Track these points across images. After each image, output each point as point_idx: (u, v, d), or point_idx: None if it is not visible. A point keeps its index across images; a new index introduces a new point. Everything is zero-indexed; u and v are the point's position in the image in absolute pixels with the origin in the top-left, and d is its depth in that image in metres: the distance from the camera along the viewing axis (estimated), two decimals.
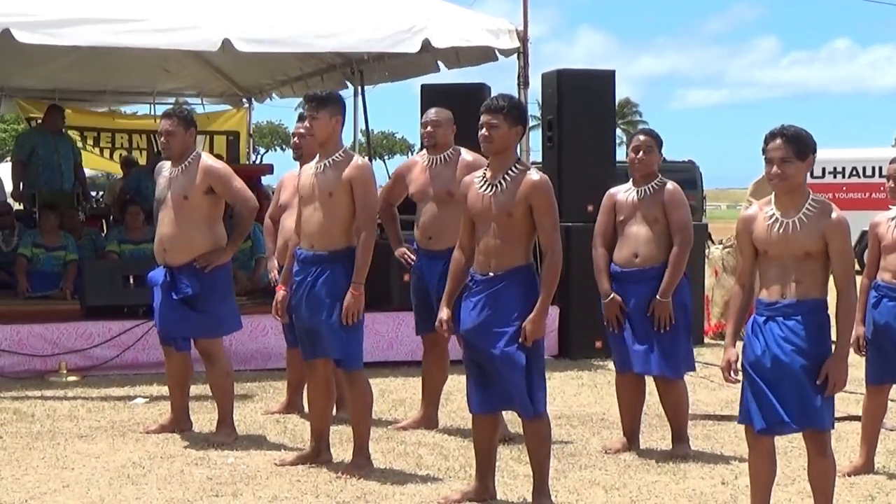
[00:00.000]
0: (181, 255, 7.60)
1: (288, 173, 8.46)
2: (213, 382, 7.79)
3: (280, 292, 7.06)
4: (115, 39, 10.25)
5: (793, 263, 5.39)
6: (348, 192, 6.71)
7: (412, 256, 8.01)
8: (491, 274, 5.99)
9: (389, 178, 8.44)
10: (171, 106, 11.52)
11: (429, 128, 7.91)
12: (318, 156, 6.89)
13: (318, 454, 7.06)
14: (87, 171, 16.53)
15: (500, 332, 5.93)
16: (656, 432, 7.90)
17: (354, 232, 6.74)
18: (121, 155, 17.68)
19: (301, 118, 8.25)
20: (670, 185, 7.39)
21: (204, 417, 8.18)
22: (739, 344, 5.58)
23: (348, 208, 6.73)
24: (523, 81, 11.16)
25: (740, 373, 5.58)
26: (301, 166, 8.14)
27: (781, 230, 5.40)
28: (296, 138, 8.19)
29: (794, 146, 5.35)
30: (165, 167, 7.79)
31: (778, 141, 5.37)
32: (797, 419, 5.40)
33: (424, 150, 8.05)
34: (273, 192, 8.77)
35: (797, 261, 5.38)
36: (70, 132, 16.12)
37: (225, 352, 7.90)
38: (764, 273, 5.52)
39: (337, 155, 6.78)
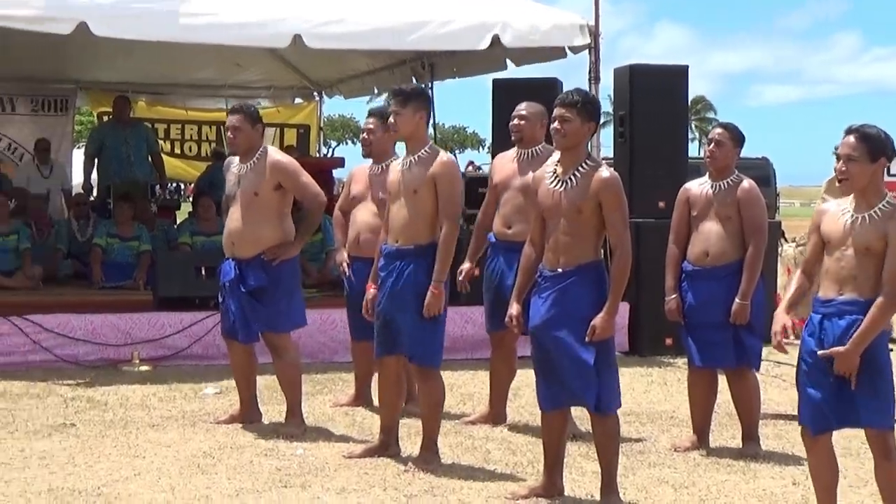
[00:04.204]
0: (250, 249, 7.65)
1: (359, 166, 8.46)
2: (281, 374, 7.83)
3: (370, 291, 6.99)
4: (187, 35, 10.33)
5: (852, 260, 5.28)
6: (433, 189, 6.67)
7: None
8: (560, 270, 5.96)
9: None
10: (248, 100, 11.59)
11: (515, 121, 7.87)
12: (404, 152, 6.88)
13: (386, 447, 7.06)
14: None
15: (569, 328, 5.90)
16: (726, 431, 7.84)
17: (438, 228, 6.71)
18: (191, 147, 17.84)
19: (370, 114, 8.28)
20: (746, 182, 7.29)
21: (274, 409, 8.23)
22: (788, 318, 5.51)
23: (433, 205, 6.69)
24: (595, 77, 11.10)
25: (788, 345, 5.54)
26: (372, 162, 8.18)
27: (849, 223, 5.30)
28: (364, 134, 8.20)
29: (865, 145, 5.23)
30: (234, 162, 7.85)
31: (850, 138, 5.27)
32: (848, 418, 5.31)
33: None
34: (343, 186, 8.79)
35: (857, 256, 5.27)
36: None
37: (293, 344, 7.94)
38: (823, 270, 5.44)
39: (423, 151, 6.75)
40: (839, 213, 5.37)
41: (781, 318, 5.50)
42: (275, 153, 7.82)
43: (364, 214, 8.13)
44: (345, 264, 8.27)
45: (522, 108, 7.88)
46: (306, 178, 7.73)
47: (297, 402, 7.81)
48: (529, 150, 7.82)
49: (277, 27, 10.36)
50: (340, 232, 8.46)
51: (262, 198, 7.63)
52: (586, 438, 7.12)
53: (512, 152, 8.00)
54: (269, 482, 6.49)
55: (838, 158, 5.29)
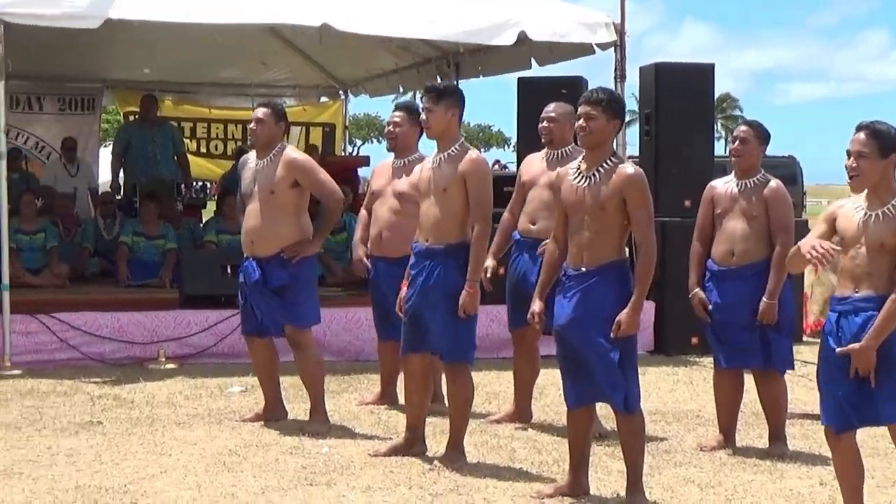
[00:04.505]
0: (269, 247, 7.66)
1: (381, 163, 8.48)
2: (303, 371, 7.84)
3: (404, 289, 6.98)
4: (213, 17, 10.30)
5: (866, 257, 5.24)
6: (462, 187, 6.65)
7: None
8: (584, 269, 5.94)
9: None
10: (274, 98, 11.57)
11: (545, 123, 7.85)
12: (435, 149, 6.87)
13: (411, 445, 7.06)
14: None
15: (594, 327, 5.88)
16: (753, 431, 7.81)
17: (469, 226, 6.69)
18: (217, 145, 17.88)
19: (397, 108, 8.29)
20: (774, 182, 7.24)
21: (299, 407, 8.23)
22: None
23: (463, 203, 6.67)
24: (620, 75, 11.07)
25: None
26: (395, 157, 8.18)
27: (862, 221, 5.25)
28: (390, 127, 8.20)
29: (876, 142, 5.18)
30: (250, 159, 7.85)
31: (861, 134, 5.22)
32: (869, 416, 5.28)
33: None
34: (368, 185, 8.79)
35: (871, 253, 5.23)
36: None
37: (313, 340, 7.96)
38: (839, 268, 5.40)
39: (453, 149, 6.73)
40: (853, 210, 5.34)
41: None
42: (291, 151, 7.84)
43: (384, 211, 8.12)
44: (364, 259, 8.28)
45: (551, 109, 7.87)
46: (323, 175, 7.75)
47: (321, 398, 7.82)
48: (559, 151, 7.81)
49: (306, 12, 10.36)
50: (362, 230, 8.44)
51: (279, 195, 7.64)
52: (612, 437, 7.11)
53: (541, 154, 7.99)
54: (295, 480, 6.50)
55: (849, 155, 5.25)
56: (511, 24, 10.84)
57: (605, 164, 5.94)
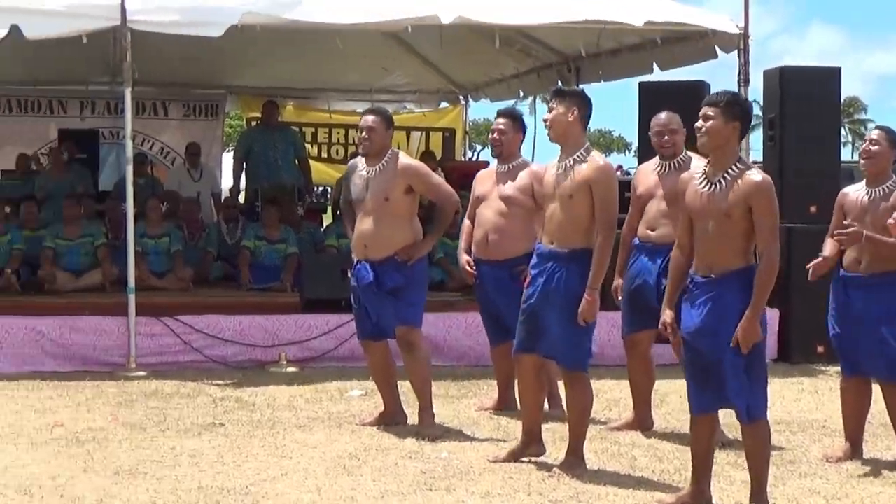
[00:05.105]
0: (382, 251, 7.69)
1: (483, 169, 8.54)
2: (412, 371, 7.84)
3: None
4: (341, 18, 10.26)
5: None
6: (588, 194, 6.58)
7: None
8: (712, 276, 5.83)
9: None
10: (395, 103, 11.55)
11: (666, 137, 7.76)
12: (559, 153, 6.82)
13: (527, 446, 7.03)
14: None
15: (721, 335, 5.76)
16: (881, 441, 7.62)
17: (594, 233, 6.61)
18: (337, 150, 18.02)
19: (500, 115, 8.28)
20: None
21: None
22: None
23: (588, 209, 6.60)
24: (744, 79, 10.90)
25: None
26: (499, 163, 8.18)
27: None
28: (495, 134, 8.20)
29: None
30: (359, 166, 7.87)
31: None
32: None
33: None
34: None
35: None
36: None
37: (424, 340, 7.96)
38: None
39: (578, 154, 6.67)
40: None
41: None
42: (404, 157, 7.86)
43: (490, 214, 8.12)
44: (467, 266, 8.29)
45: (662, 120, 7.80)
46: (436, 178, 7.83)
47: (429, 399, 7.82)
48: (671, 162, 7.73)
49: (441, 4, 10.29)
50: (466, 239, 8.42)
51: (393, 201, 7.66)
52: (735, 447, 6.99)
53: (653, 163, 7.93)
54: (414, 485, 6.50)
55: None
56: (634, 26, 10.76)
57: (731, 170, 5.78)
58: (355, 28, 10.46)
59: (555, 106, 6.71)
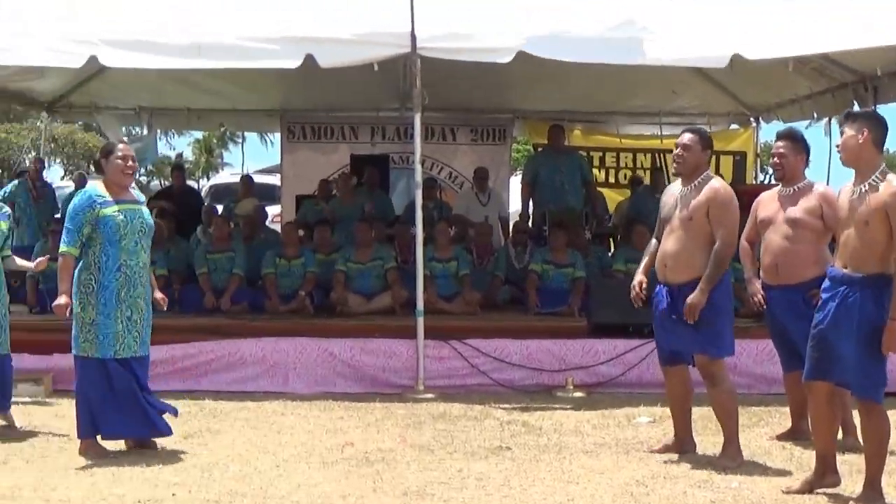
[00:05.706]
0: (683, 274, 7.56)
1: (764, 193, 8.29)
2: (716, 403, 7.65)
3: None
4: (627, 58, 10.27)
5: None
6: (884, 220, 6.31)
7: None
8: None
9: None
10: (683, 126, 11.36)
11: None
12: (853, 176, 6.58)
13: (822, 476, 6.80)
14: None
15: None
16: None
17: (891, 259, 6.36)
18: (625, 174, 17.90)
19: (779, 137, 8.11)
20: None
21: (708, 440, 8.05)
22: None
23: (885, 235, 6.33)
24: None
25: None
26: (783, 185, 7.95)
27: None
28: (775, 158, 7.99)
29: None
30: (675, 185, 7.78)
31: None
32: None
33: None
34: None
35: None
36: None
37: (727, 372, 7.74)
38: None
39: (873, 179, 6.40)
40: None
41: None
42: (716, 181, 7.69)
43: (777, 238, 7.90)
44: (759, 295, 8.06)
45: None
46: (731, 218, 7.54)
47: (735, 432, 7.60)
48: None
49: (714, 47, 10.16)
50: (749, 263, 8.24)
51: (696, 222, 7.53)
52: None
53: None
54: None
55: None
56: None
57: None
58: (645, 67, 10.44)
59: (845, 129, 6.51)
